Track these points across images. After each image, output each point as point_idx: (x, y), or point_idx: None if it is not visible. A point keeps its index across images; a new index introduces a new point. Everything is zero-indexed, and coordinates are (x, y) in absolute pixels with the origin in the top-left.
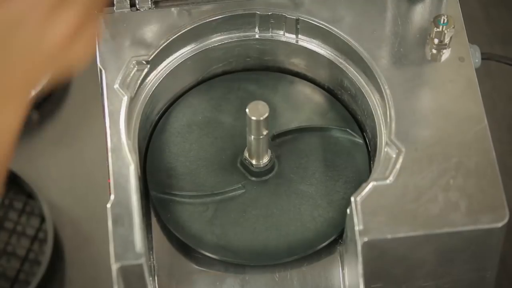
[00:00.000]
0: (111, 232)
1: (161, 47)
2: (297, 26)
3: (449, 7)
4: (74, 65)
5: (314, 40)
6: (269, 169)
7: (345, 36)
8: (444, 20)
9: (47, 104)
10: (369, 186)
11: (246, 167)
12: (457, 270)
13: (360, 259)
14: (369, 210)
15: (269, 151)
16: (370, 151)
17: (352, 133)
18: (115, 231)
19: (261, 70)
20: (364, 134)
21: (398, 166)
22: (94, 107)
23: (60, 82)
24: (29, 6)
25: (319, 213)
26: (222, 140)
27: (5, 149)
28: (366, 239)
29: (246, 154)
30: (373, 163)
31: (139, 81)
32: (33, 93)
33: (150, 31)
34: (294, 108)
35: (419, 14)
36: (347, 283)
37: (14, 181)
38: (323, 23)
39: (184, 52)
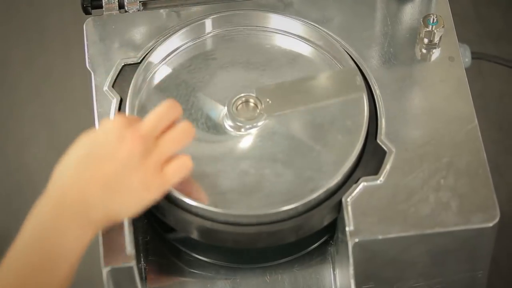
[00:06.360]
0: (101, 235)
1: (150, 49)
2: None
3: (438, 6)
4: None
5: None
6: None
7: (335, 36)
8: (433, 19)
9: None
10: (360, 186)
11: None
12: (449, 270)
13: (351, 260)
14: (360, 211)
15: None
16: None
17: None
18: (105, 234)
19: None
20: None
21: (388, 166)
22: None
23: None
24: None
25: None
26: None
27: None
28: (357, 239)
29: None
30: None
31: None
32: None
33: (139, 32)
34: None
35: (409, 13)
36: (338, 284)
37: None
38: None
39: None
